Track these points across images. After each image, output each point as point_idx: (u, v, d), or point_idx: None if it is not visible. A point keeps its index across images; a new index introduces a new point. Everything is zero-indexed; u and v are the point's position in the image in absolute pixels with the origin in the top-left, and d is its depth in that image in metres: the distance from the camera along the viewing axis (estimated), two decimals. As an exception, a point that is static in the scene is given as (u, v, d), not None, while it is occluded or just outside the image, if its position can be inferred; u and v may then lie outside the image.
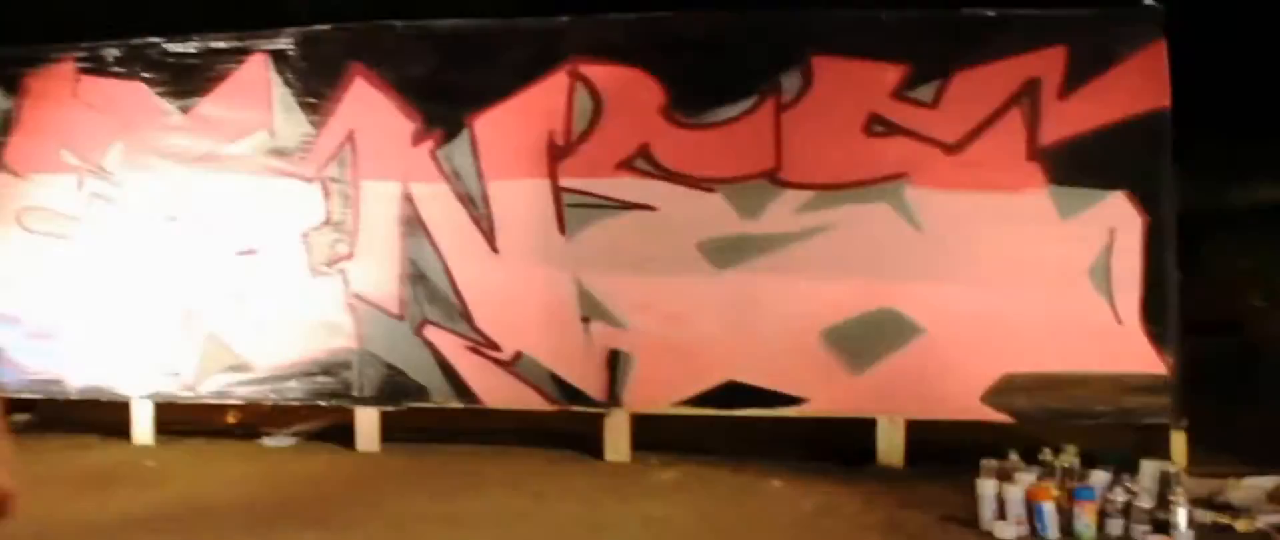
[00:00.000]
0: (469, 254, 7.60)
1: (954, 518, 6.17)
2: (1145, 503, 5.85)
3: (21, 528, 5.81)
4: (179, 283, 8.07)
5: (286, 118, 7.84)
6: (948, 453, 7.01)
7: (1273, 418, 7.58)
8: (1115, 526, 5.86)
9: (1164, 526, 5.78)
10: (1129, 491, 5.94)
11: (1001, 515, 5.95)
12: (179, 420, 8.34)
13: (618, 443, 7.60)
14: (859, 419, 7.45)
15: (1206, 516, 5.99)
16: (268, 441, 8.23)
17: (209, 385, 8.08)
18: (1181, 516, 5.74)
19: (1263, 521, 6.01)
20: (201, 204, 8.01)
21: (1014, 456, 6.46)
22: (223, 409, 8.48)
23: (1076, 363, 7.16)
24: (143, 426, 8.23)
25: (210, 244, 8.01)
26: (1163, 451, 6.84)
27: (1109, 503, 5.90)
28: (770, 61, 7.38)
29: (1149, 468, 6.29)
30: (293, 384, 7.96)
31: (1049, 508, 5.88)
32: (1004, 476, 6.18)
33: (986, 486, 6.04)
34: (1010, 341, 7.22)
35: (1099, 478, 6.15)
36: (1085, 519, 5.85)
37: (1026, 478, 6.13)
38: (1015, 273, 7.18)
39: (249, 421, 8.56)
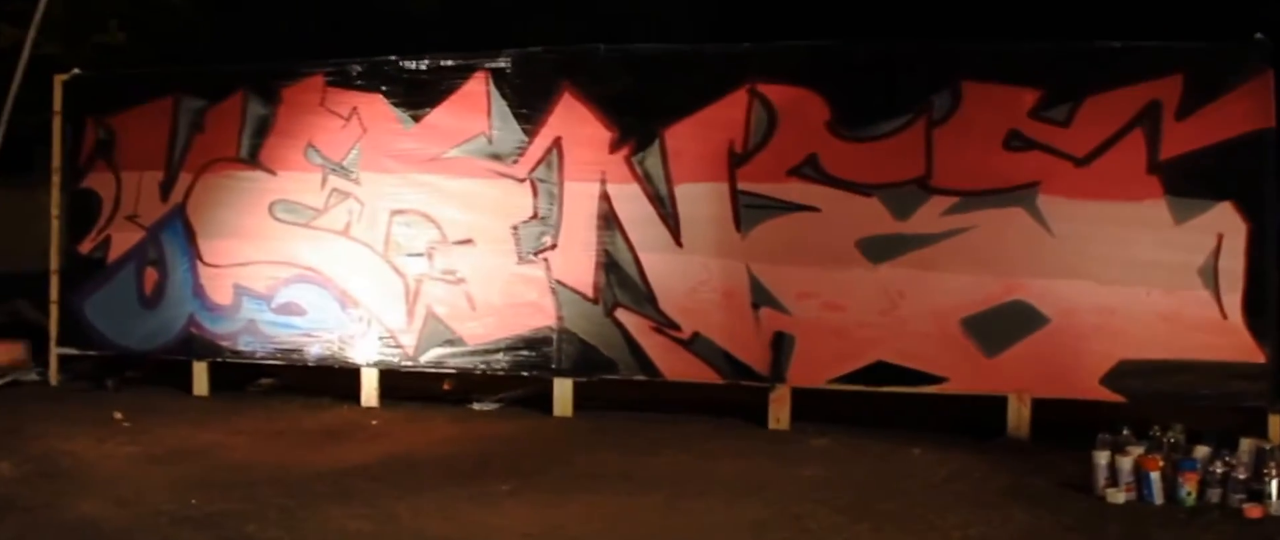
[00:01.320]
0: (656, 246, 8.46)
1: (1071, 484, 6.78)
2: (1242, 474, 6.42)
3: (265, 472, 7.27)
4: (405, 268, 9.04)
5: (503, 126, 8.77)
6: (1068, 428, 7.59)
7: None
8: (1214, 495, 6.44)
9: (1258, 496, 6.36)
10: (1228, 464, 6.51)
11: (1113, 482, 6.54)
12: (401, 387, 9.23)
13: (779, 413, 8.36)
14: (992, 396, 8.08)
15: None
16: (476, 406, 9.08)
17: (427, 357, 9.02)
18: (1275, 487, 6.35)
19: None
20: (427, 200, 8.98)
21: (1126, 432, 7.01)
22: (439, 377, 9.30)
23: (1185, 351, 7.78)
24: (369, 391, 9.16)
25: (433, 235, 8.97)
26: (1260, 431, 7.40)
27: (1209, 473, 6.46)
28: (924, 84, 8.14)
29: (1247, 445, 6.84)
30: (500, 357, 8.88)
31: (1155, 476, 6.45)
32: (1116, 448, 6.77)
33: (1100, 457, 6.61)
34: (1126, 331, 7.87)
35: (1201, 452, 6.72)
36: (1187, 488, 6.43)
37: (1136, 450, 6.70)
38: (1133, 271, 7.84)
39: (461, 389, 9.37)
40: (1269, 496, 6.39)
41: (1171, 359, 7.84)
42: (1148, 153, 7.88)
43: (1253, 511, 6.33)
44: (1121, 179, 7.90)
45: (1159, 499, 6.53)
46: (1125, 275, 7.90)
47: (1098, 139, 7.95)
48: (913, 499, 6.74)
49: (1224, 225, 7.78)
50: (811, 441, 8.05)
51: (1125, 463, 6.63)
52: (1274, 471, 6.43)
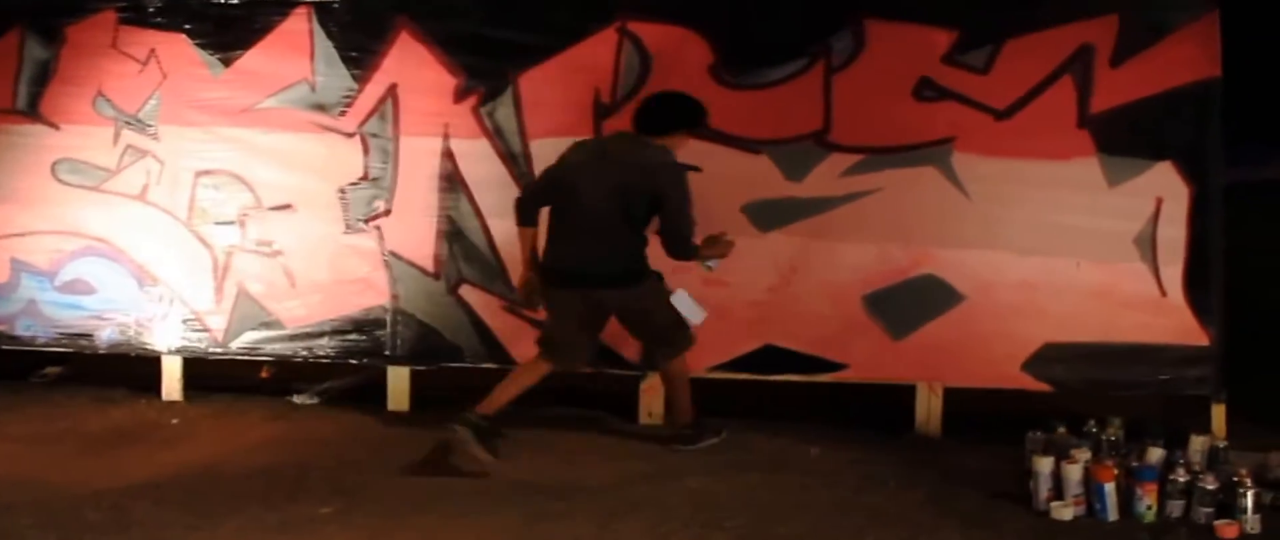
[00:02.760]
0: (509, 212, 7.44)
1: (1005, 494, 6.16)
2: (1210, 484, 5.76)
3: (27, 493, 6.10)
4: (213, 238, 8.09)
5: (328, 72, 7.87)
6: (983, 421, 7.17)
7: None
8: (1175, 508, 5.82)
9: (1228, 510, 5.71)
10: (1192, 472, 5.90)
11: (1058, 495, 5.87)
12: (209, 376, 8.29)
13: (652, 406, 7.65)
14: (898, 386, 7.55)
15: (1264, 497, 5.91)
16: (297, 399, 8.18)
17: (239, 342, 8.12)
18: (1249, 500, 5.67)
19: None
20: (238, 159, 8.04)
21: (1062, 430, 6.54)
22: (254, 364, 8.46)
23: (1118, 333, 7.31)
24: (171, 383, 8.22)
25: (246, 200, 8.04)
26: (1196, 421, 7.00)
27: (1171, 483, 5.83)
28: (823, 23, 7.48)
29: (1198, 443, 6.36)
30: (324, 342, 8.00)
31: (1110, 488, 5.79)
32: (1052, 449, 6.20)
33: (1043, 464, 5.92)
34: (1052, 310, 7.35)
35: (1155, 455, 6.16)
36: (1147, 501, 5.79)
37: (1082, 455, 6.02)
38: (1060, 241, 7.33)
39: (281, 377, 8.51)
40: (1242, 512, 5.69)
41: (1103, 342, 7.37)
42: (1078, 105, 7.35)
43: (1227, 531, 5.63)
44: (1048, 135, 7.36)
45: (1113, 514, 5.84)
46: (1051, 245, 7.38)
47: (1021, 88, 7.39)
48: (820, 518, 5.96)
49: (1164, 188, 7.30)
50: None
51: (1073, 472, 5.89)
52: (1248, 482, 5.75)
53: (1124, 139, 7.28)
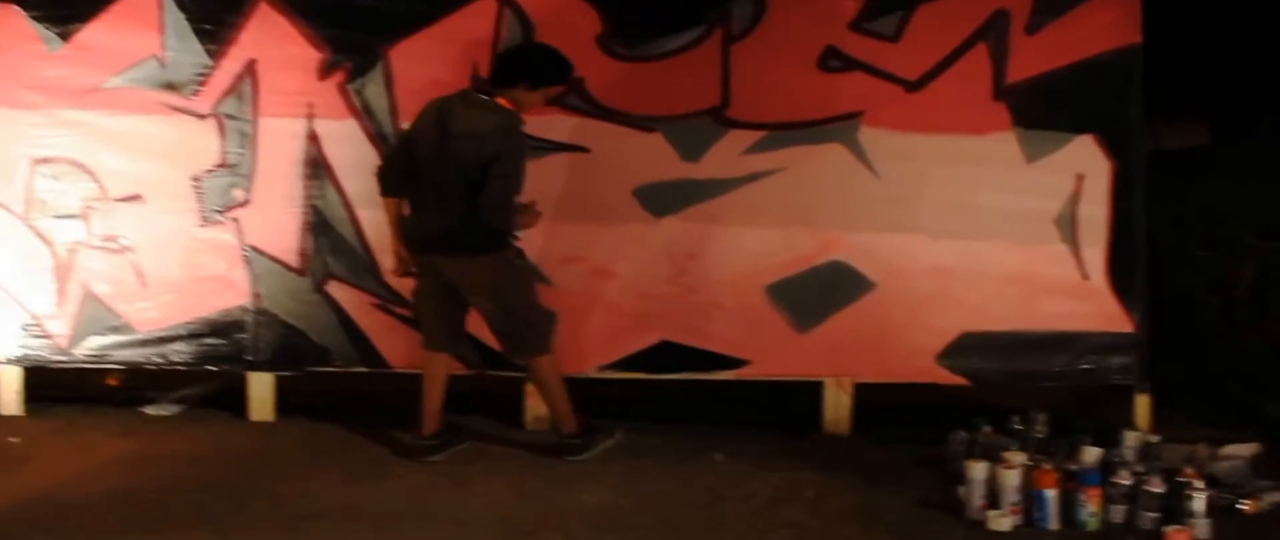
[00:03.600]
0: (379, 201, 7.14)
1: (933, 503, 5.89)
2: (1156, 488, 5.50)
3: None
4: (53, 233, 7.59)
5: (179, 46, 7.41)
6: (892, 414, 7.06)
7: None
8: (1117, 513, 5.56)
9: (1173, 514, 5.42)
10: (1136, 474, 5.65)
11: (993, 503, 5.56)
12: (52, 385, 7.79)
13: (539, 408, 7.23)
14: (804, 381, 7.31)
15: (1220, 499, 5.69)
16: (151, 410, 7.73)
17: (85, 349, 7.60)
18: (1199, 503, 5.38)
19: (1267, 500, 5.80)
20: (81, 144, 7.53)
21: (987, 429, 6.37)
22: (102, 372, 8.00)
23: (1038, 321, 7.16)
24: (9, 396, 7.68)
25: (89, 190, 7.54)
26: (1115, 412, 7.03)
27: (1113, 487, 5.57)
28: None
29: (1133, 439, 6.27)
30: (179, 347, 7.52)
31: (1051, 496, 5.50)
32: (977, 450, 6.00)
33: (976, 470, 5.62)
34: (968, 298, 7.18)
35: (1091, 455, 5.94)
36: (1090, 507, 5.51)
37: (1016, 457, 5.73)
38: (975, 222, 7.15)
39: (132, 384, 8.06)
40: (1190, 515, 5.38)
41: (1022, 331, 7.19)
42: (993, 75, 7.16)
43: (1178, 537, 5.27)
44: (961, 107, 7.15)
45: (1054, 523, 5.53)
46: (966, 227, 7.18)
47: (932, 58, 7.17)
48: (739, 537, 5.60)
49: (1084, 164, 7.14)
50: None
51: (1010, 478, 5.55)
52: (1197, 484, 5.46)
53: (1042, 112, 7.11)
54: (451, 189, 6.35)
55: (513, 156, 6.30)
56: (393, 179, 6.64)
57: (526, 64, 6.53)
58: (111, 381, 8.15)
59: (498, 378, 7.26)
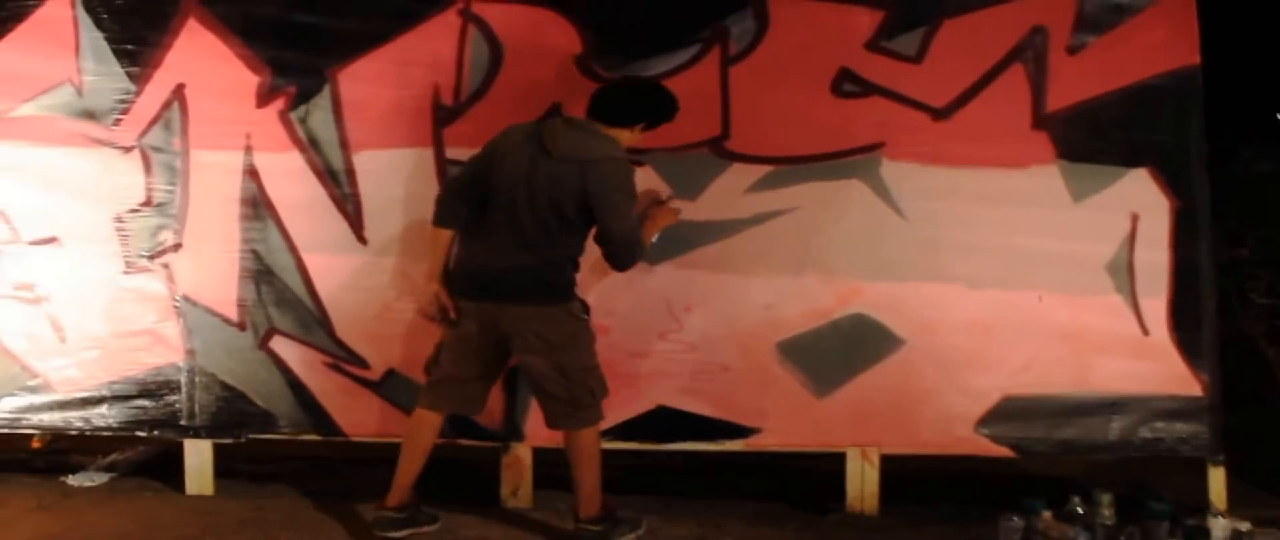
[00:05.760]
0: (329, 245, 6.98)
1: None
2: None
3: None
4: None
5: (98, 69, 7.07)
6: (921, 484, 6.85)
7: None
8: None
9: None
10: None
11: None
12: None
13: (517, 483, 6.93)
14: (824, 453, 6.97)
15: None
16: (74, 480, 7.41)
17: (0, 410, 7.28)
18: None
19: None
20: None
21: (1047, 514, 5.91)
22: (21, 437, 7.66)
23: (1092, 383, 6.79)
24: None
25: None
26: (1183, 485, 6.74)
27: None
28: (715, 2, 6.87)
29: (1221, 528, 5.84)
30: (104, 410, 7.19)
31: None
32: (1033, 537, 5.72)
33: None
34: (1011, 356, 6.81)
35: None
36: None
37: None
38: (1017, 269, 6.77)
39: (56, 447, 7.82)
40: None
41: (1073, 394, 6.79)
42: (1032, 100, 6.77)
43: None
44: (996, 137, 6.79)
45: None
46: (1006, 275, 6.78)
47: (961, 81, 6.79)
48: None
49: (1140, 202, 6.75)
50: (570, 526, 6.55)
51: None
52: None
53: (1089, 142, 6.77)
54: (537, 224, 5.99)
55: (620, 192, 5.98)
56: (455, 209, 6.25)
57: (649, 103, 6.24)
58: (35, 444, 7.84)
59: (467, 446, 6.98)
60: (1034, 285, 6.74)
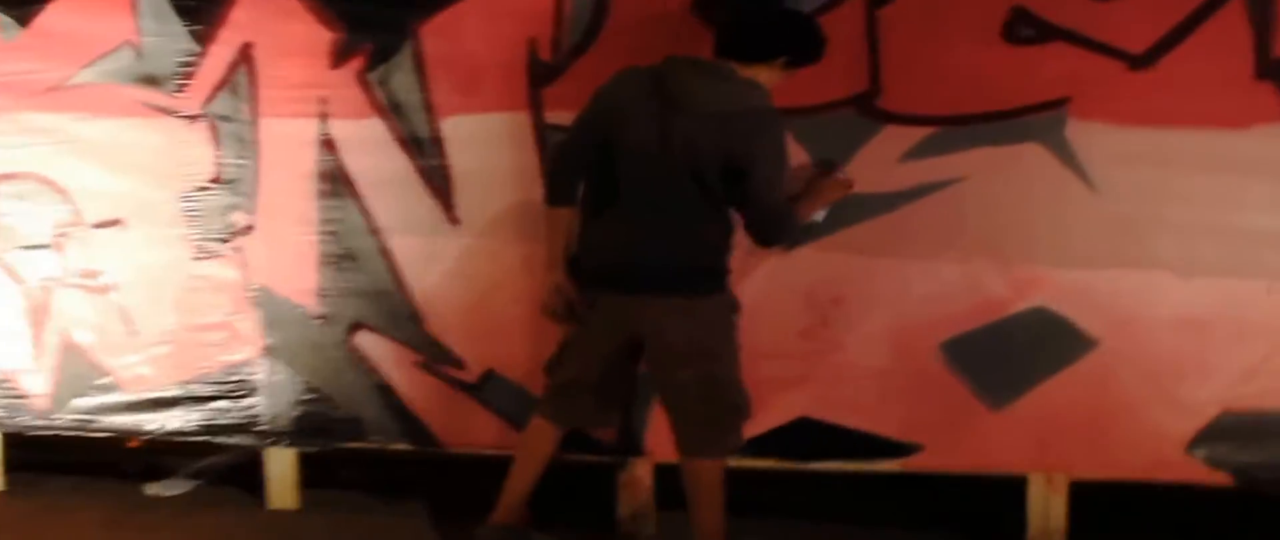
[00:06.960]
0: (416, 225, 6.74)
1: None
2: None
3: None
4: (23, 268, 7.29)
5: (158, 29, 6.91)
6: (1112, 511, 6.38)
7: None
8: None
9: None
10: None
11: None
12: (49, 447, 7.54)
13: (636, 503, 6.65)
14: (1001, 477, 6.44)
15: None
16: (152, 489, 7.41)
17: (69, 412, 7.27)
18: None
19: None
20: (48, 156, 7.20)
21: None
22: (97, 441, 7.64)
23: None
24: None
25: (62, 213, 7.19)
26: None
27: None
28: None
29: None
30: (177, 413, 7.12)
31: None
32: None
33: None
34: (1231, 362, 6.17)
35: None
36: None
37: None
38: (1239, 254, 6.11)
39: (152, 447, 7.70)
40: None
41: None
42: (1255, 43, 6.02)
43: None
44: (1209, 90, 6.09)
45: None
46: (1225, 261, 6.13)
47: (1165, 21, 6.09)
48: None
49: None
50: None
51: None
52: None
53: None
54: (676, 196, 5.60)
55: (778, 149, 5.60)
56: (572, 182, 5.92)
57: (793, 33, 5.74)
58: (133, 444, 7.77)
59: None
60: (1260, 274, 6.08)
